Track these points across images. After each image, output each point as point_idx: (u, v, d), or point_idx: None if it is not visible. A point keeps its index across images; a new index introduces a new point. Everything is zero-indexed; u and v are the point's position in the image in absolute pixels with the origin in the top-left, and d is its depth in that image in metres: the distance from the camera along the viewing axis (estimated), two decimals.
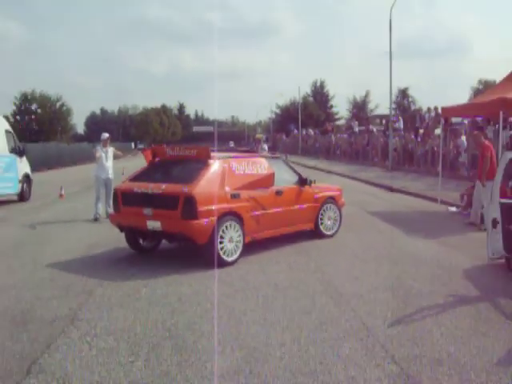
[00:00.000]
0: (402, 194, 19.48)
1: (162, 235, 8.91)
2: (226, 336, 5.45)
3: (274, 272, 8.11)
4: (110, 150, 14.05)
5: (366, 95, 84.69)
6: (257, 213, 9.07)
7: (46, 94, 74.97)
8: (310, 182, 10.51)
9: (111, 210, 10.08)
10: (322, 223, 10.76)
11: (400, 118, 37.44)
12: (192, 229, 8.07)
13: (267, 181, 9.41)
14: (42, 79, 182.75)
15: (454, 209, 14.79)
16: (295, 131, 65.61)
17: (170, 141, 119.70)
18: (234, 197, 8.71)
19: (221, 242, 8.31)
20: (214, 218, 8.20)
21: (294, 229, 10.24)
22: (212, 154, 8.89)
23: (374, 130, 40.60)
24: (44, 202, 18.41)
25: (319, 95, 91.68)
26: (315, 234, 10.67)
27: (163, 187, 8.44)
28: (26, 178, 18.97)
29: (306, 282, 7.54)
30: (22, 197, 18.48)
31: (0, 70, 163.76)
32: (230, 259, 8.47)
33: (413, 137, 29.58)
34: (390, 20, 30.42)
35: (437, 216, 14.08)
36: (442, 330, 5.60)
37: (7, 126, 18.79)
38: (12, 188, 17.67)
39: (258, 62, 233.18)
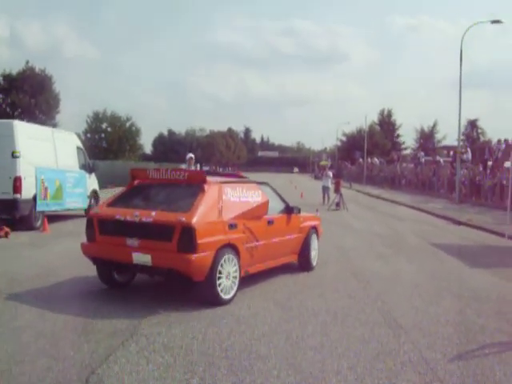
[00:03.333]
0: (468, 227, 19.00)
1: (149, 270, 7.61)
2: (282, 360, 5.42)
3: (334, 299, 8.02)
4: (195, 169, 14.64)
5: (434, 125, 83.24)
6: (251, 244, 8.21)
7: (116, 114, 77.14)
8: (299, 210, 9.76)
9: None
10: (310, 254, 10.09)
11: (468, 149, 36.65)
12: (189, 264, 7.00)
13: (261, 209, 8.59)
14: (114, 100, 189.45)
15: None
16: (360, 159, 65.19)
17: (236, 164, 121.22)
18: (232, 227, 7.77)
19: (219, 278, 7.39)
20: (213, 252, 7.30)
21: (281, 261, 9.48)
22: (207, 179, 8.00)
23: (441, 160, 39.94)
24: None
25: (386, 124, 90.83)
26: (300, 266, 9.99)
27: (153, 214, 7.33)
28: (94, 194, 19.54)
29: (365, 310, 7.42)
30: None
31: (76, 90, 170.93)
32: (227, 297, 7.53)
33: (481, 169, 28.94)
34: (461, 50, 30.09)
35: (504, 251, 13.65)
36: (506, 369, 5.39)
37: (79, 143, 19.45)
38: (81, 203, 18.21)
39: (325, 88, 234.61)
